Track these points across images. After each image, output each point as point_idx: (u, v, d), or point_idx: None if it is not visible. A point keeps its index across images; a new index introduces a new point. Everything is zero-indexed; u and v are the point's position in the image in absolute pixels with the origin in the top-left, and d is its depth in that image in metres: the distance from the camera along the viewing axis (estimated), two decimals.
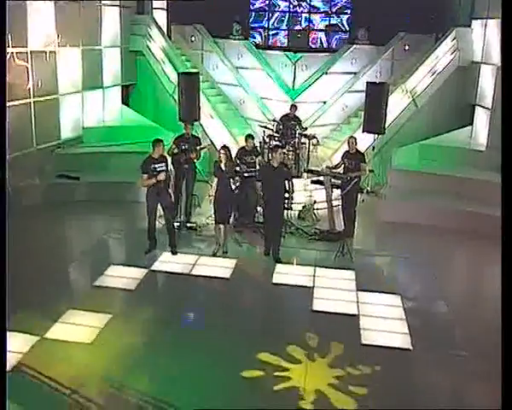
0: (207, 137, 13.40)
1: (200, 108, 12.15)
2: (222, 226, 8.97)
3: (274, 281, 8.16)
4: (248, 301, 7.68)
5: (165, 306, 7.51)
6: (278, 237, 8.98)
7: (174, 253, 8.94)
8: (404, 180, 11.49)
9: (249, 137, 10.10)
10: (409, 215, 10.50)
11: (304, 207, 10.58)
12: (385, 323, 7.06)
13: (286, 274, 8.39)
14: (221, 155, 8.75)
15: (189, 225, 10.04)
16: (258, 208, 10.04)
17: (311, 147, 12.39)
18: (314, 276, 8.32)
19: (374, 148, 12.15)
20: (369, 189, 12.10)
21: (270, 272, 8.40)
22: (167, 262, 8.71)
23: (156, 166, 8.59)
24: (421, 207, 10.70)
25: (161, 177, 8.45)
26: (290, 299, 7.76)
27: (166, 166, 8.71)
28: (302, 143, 12.15)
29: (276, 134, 12.06)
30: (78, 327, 6.77)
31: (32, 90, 11.45)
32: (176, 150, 10.11)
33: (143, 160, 8.65)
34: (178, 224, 9.94)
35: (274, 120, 12.49)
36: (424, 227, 10.19)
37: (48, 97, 12.01)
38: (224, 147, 8.93)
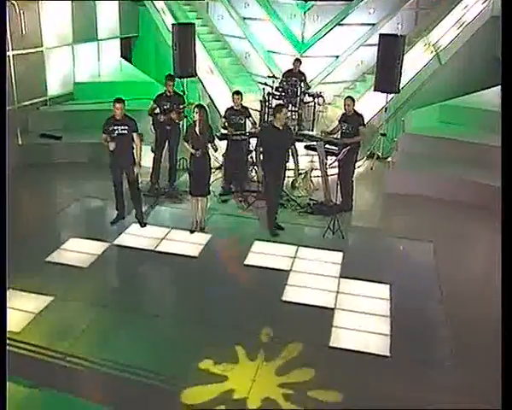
0: (207, 94, 12.30)
1: (195, 63, 11.12)
2: (199, 199, 7.94)
3: (247, 262, 7.13)
4: (209, 285, 6.68)
5: (113, 287, 6.65)
6: (275, 207, 7.97)
7: (142, 225, 8.02)
8: (419, 146, 10.11)
9: (236, 93, 8.97)
10: (420, 187, 9.20)
11: (299, 174, 9.38)
12: (364, 320, 5.94)
13: (263, 254, 7.34)
14: (195, 117, 7.66)
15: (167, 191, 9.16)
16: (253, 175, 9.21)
17: (318, 106, 11.13)
18: (294, 257, 7.25)
19: (386, 109, 10.80)
20: (380, 154, 10.83)
21: (245, 251, 7.37)
22: (133, 235, 7.81)
23: (116, 127, 7.63)
24: (435, 178, 9.34)
25: (111, 146, 7.51)
26: (259, 285, 6.67)
27: (130, 129, 7.70)
28: (305, 103, 10.90)
29: (275, 92, 10.83)
30: (12, 311, 5.95)
31: (10, 43, 10.52)
32: (157, 110, 9.13)
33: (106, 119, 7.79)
34: (156, 190, 9.10)
35: (273, 76, 11.24)
36: (436, 201, 8.88)
37: (31, 50, 11.08)
38: (199, 106, 7.81)
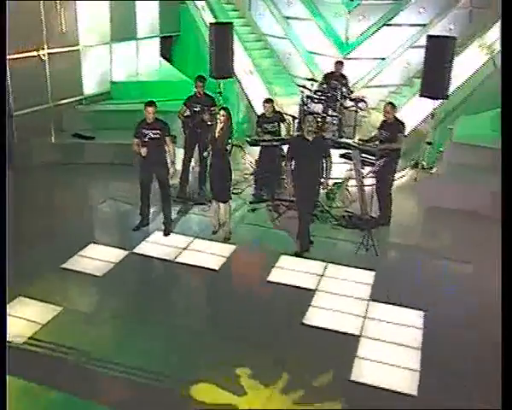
0: (246, 96, 11.89)
1: (233, 63, 10.73)
2: (221, 205, 7.56)
3: (270, 278, 6.64)
4: (226, 302, 6.24)
5: (124, 298, 6.29)
6: (307, 225, 7.22)
7: (166, 234, 7.66)
8: (467, 156, 9.30)
9: (267, 101, 8.54)
10: (465, 201, 8.43)
11: (334, 184, 8.82)
12: (392, 351, 5.36)
13: (288, 270, 6.83)
14: (218, 119, 7.27)
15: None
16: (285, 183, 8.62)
17: (361, 112, 10.50)
18: (322, 275, 6.71)
19: (433, 116, 10.05)
20: (425, 164, 10.10)
21: (269, 266, 6.88)
22: (155, 243, 7.45)
23: (148, 132, 7.34)
24: (482, 192, 8.51)
25: (142, 152, 7.20)
26: (281, 304, 6.17)
27: (162, 133, 7.39)
28: (345, 108, 10.29)
29: (314, 96, 10.27)
30: (18, 321, 5.70)
31: (45, 41, 10.40)
32: (187, 113, 8.79)
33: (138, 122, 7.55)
34: (185, 194, 8.79)
35: (312, 79, 10.69)
36: (482, 218, 8.10)
37: (67, 49, 10.95)
38: (224, 109, 7.41)
